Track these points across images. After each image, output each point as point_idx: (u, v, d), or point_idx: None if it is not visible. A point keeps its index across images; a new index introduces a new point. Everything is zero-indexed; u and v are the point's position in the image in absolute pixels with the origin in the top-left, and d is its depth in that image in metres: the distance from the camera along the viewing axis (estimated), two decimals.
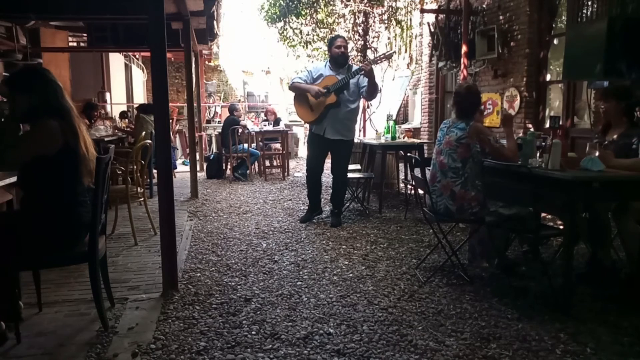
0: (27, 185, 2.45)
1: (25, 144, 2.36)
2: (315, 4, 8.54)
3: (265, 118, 9.36)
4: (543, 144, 3.15)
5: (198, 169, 7.24)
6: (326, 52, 7.99)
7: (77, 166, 2.41)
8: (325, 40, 8.37)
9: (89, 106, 7.41)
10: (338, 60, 4.67)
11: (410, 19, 8.58)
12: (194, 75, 8.28)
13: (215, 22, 7.99)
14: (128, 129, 7.90)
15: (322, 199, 5.32)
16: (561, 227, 3.73)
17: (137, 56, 13.40)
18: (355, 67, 4.64)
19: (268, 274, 3.39)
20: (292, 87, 4.81)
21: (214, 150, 9.86)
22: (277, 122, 8.81)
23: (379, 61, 5.08)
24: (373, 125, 8.15)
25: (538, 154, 3.04)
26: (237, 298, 2.95)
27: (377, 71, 8.26)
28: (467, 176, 3.19)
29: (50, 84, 2.42)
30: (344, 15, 8.01)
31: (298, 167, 9.34)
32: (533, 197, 2.79)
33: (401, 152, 5.97)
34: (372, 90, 4.64)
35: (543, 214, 4.17)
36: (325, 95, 4.57)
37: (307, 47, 8.88)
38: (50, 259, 2.44)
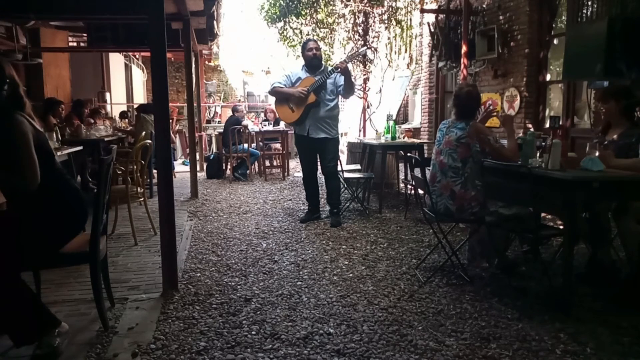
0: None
1: (24, 152, 2.25)
2: (315, 4, 8.53)
3: (265, 118, 9.36)
4: (543, 144, 3.15)
5: (198, 169, 7.24)
6: (325, 52, 8.02)
7: (49, 150, 2.40)
8: (326, 40, 8.37)
9: (77, 103, 7.41)
10: (312, 63, 4.79)
11: (410, 19, 8.58)
12: (194, 75, 8.27)
13: (215, 22, 7.99)
14: (128, 129, 7.90)
15: (321, 200, 5.33)
16: (561, 227, 3.73)
17: (137, 56, 13.41)
18: (330, 68, 4.75)
19: (268, 274, 3.39)
20: (273, 92, 4.92)
21: (214, 150, 9.86)
22: (277, 121, 8.82)
23: (354, 59, 5.19)
24: (373, 125, 8.15)
25: (538, 154, 3.04)
26: (237, 298, 2.95)
27: (377, 71, 8.35)
28: (467, 176, 3.19)
29: (12, 76, 2.32)
30: (344, 15, 8.00)
31: (298, 167, 9.30)
32: (533, 197, 2.79)
33: (401, 152, 5.97)
34: (349, 88, 4.78)
35: (543, 214, 4.17)
36: (306, 95, 4.66)
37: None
38: (51, 258, 2.43)
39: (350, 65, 4.88)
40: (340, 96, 4.89)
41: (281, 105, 4.87)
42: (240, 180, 7.82)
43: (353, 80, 5.01)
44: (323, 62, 4.99)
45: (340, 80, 4.71)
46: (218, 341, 2.41)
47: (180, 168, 9.23)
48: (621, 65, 3.48)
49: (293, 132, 5.16)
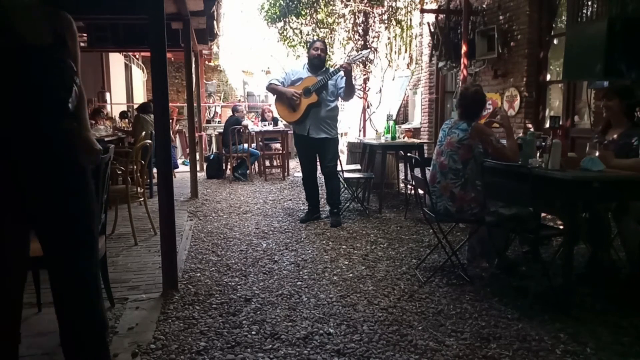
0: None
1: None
2: (315, 4, 8.53)
3: (263, 117, 9.37)
4: (543, 144, 3.15)
5: (198, 169, 7.24)
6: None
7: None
8: (326, 40, 8.37)
9: None
10: (314, 62, 4.80)
11: (410, 19, 8.58)
12: (194, 75, 8.27)
13: (215, 22, 8.00)
14: (128, 129, 7.90)
15: (321, 200, 5.33)
16: (561, 227, 3.73)
17: (137, 56, 13.40)
18: (332, 70, 4.78)
19: (268, 274, 3.39)
20: (269, 89, 4.95)
21: (214, 150, 9.86)
22: (275, 121, 8.82)
23: (357, 61, 5.25)
24: (373, 125, 8.15)
25: (538, 154, 3.04)
26: (237, 298, 2.95)
27: (377, 71, 8.35)
28: (467, 177, 3.19)
29: None
30: (344, 15, 8.00)
31: (298, 167, 9.31)
32: (533, 197, 2.79)
33: (401, 152, 5.98)
34: (349, 91, 4.78)
35: (543, 214, 4.17)
36: (306, 96, 4.69)
37: (307, 47, 8.88)
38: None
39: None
40: (340, 98, 4.89)
41: (282, 103, 4.86)
42: (240, 180, 7.82)
43: (354, 81, 5.02)
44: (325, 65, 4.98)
45: (341, 82, 4.71)
46: (218, 341, 2.41)
47: (180, 168, 9.23)
48: (621, 65, 3.48)
49: (292, 132, 5.17)
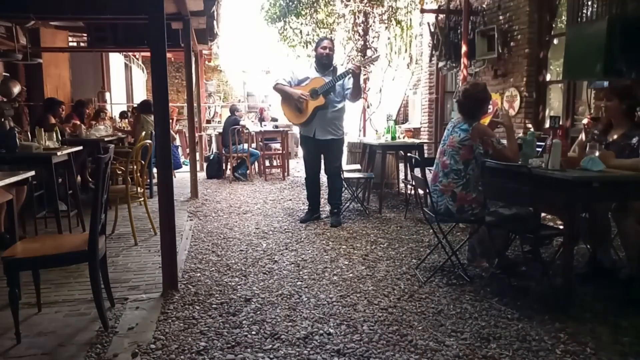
0: None
1: None
2: (315, 4, 8.53)
3: (261, 117, 9.37)
4: (543, 144, 3.14)
5: (198, 169, 7.24)
6: None
7: None
8: None
9: (79, 104, 7.40)
10: (322, 60, 4.73)
11: (410, 19, 8.57)
12: (194, 75, 8.27)
13: (215, 22, 7.98)
14: (128, 129, 7.90)
15: (322, 200, 5.33)
16: (561, 227, 3.73)
17: (137, 56, 13.40)
18: (340, 70, 4.73)
19: (268, 274, 3.39)
20: (276, 89, 4.87)
21: (214, 150, 9.85)
22: (278, 126, 8.81)
23: (366, 64, 5.21)
24: (373, 125, 8.15)
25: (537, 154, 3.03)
26: (237, 298, 2.95)
27: (377, 71, 8.35)
28: (469, 178, 3.18)
29: None
30: (344, 15, 8.01)
31: (298, 167, 9.33)
32: (533, 197, 2.79)
33: (401, 152, 5.98)
34: (357, 93, 4.72)
35: (543, 214, 4.16)
36: (313, 98, 4.63)
37: (307, 47, 8.88)
38: (50, 259, 2.43)
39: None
40: (346, 99, 4.85)
41: (288, 105, 4.80)
42: (240, 180, 7.82)
43: (362, 84, 4.97)
44: (333, 63, 4.88)
45: (349, 83, 4.66)
46: (218, 341, 2.41)
47: (181, 168, 9.22)
48: (621, 65, 3.48)
49: (293, 131, 5.15)
